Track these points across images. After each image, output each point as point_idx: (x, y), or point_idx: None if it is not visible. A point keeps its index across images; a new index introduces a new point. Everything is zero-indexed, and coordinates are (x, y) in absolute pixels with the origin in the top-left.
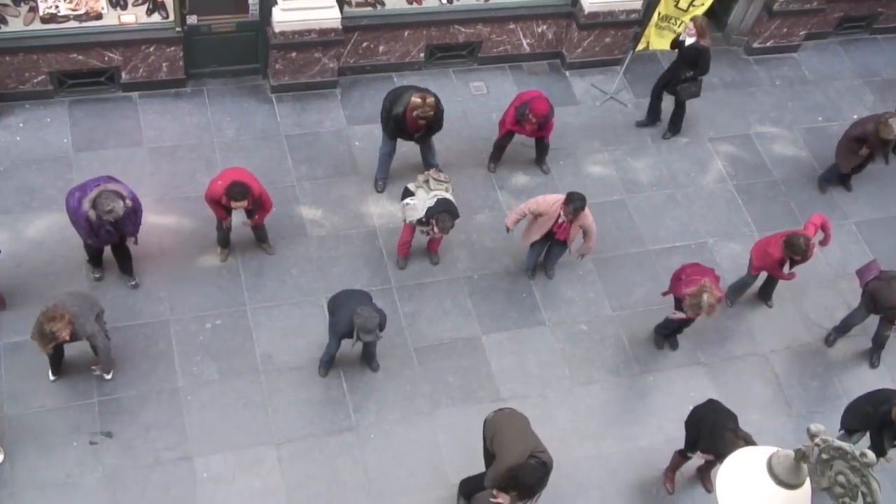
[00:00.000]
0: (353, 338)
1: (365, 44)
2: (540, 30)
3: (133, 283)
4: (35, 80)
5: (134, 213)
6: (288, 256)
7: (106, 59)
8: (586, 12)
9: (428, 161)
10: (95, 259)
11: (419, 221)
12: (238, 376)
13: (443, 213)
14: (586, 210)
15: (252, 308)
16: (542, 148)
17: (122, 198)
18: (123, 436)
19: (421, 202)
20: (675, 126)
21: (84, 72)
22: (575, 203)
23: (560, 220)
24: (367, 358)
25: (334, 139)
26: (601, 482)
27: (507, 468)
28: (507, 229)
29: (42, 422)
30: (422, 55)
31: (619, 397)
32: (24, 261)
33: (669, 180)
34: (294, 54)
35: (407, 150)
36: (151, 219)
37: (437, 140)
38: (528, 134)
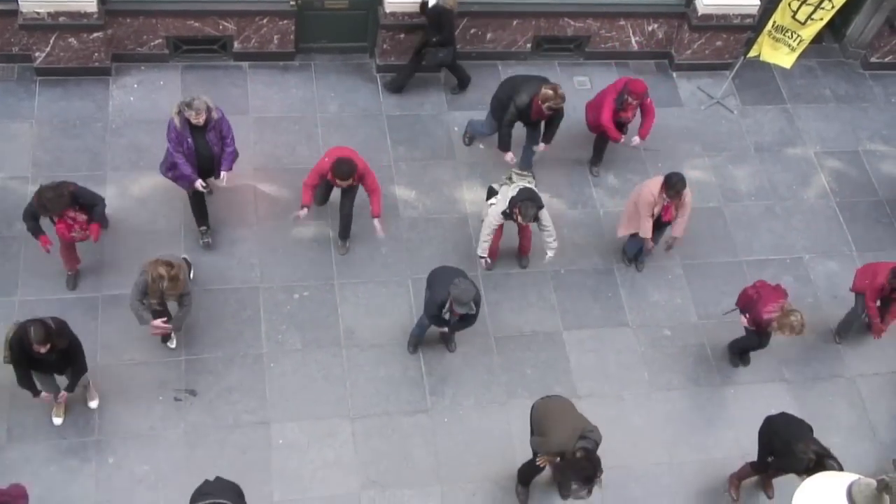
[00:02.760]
0: (446, 310)
1: (473, 30)
2: (650, 28)
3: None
4: (152, 44)
5: (221, 134)
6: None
7: (221, 27)
8: (699, 13)
9: (531, 141)
10: (199, 210)
11: (503, 213)
12: (320, 348)
13: (525, 200)
14: (687, 189)
15: (340, 283)
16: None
17: (210, 108)
18: (206, 395)
19: (505, 196)
20: (461, 83)
21: (199, 38)
22: (676, 184)
23: (665, 202)
24: (446, 338)
25: (434, 123)
26: (671, 490)
27: (557, 450)
28: (648, 245)
29: (131, 374)
30: (528, 46)
31: (697, 406)
32: (127, 216)
33: (770, 191)
34: (402, 36)
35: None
36: (251, 186)
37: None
38: (629, 118)
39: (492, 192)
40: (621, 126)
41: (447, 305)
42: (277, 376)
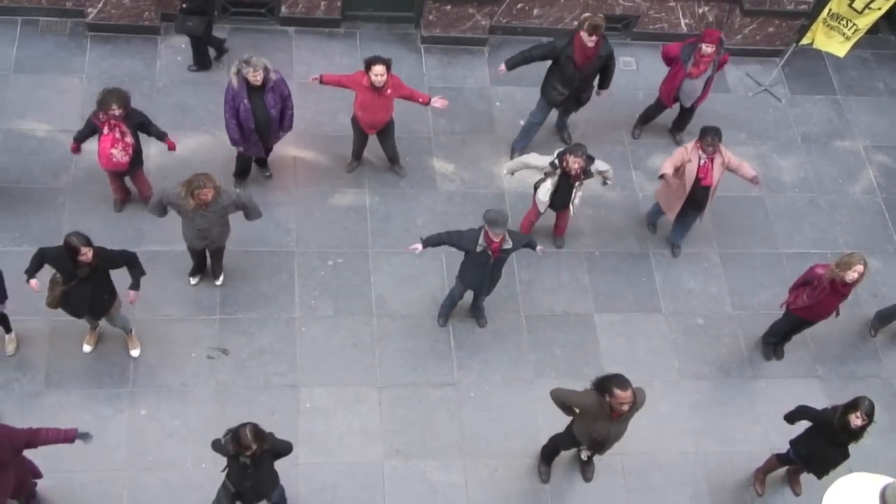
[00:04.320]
0: (481, 243)
1: (520, 5)
2: (701, 11)
3: (268, 173)
4: None
5: (281, 96)
6: (415, 206)
7: None
8: None
9: (561, 121)
10: (243, 169)
11: (552, 164)
12: (351, 315)
13: (574, 146)
14: (723, 148)
15: (374, 252)
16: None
17: (268, 69)
18: (238, 355)
19: (544, 163)
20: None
21: (246, 1)
22: (710, 133)
23: (702, 162)
24: (477, 311)
25: (476, 97)
26: (695, 479)
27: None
28: (661, 176)
29: (167, 329)
30: (575, 23)
31: (727, 398)
32: (169, 175)
33: (814, 184)
34: (449, 7)
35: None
36: (290, 151)
37: (579, 110)
38: (699, 73)
39: (537, 184)
40: (678, 95)
41: (481, 237)
42: (308, 341)
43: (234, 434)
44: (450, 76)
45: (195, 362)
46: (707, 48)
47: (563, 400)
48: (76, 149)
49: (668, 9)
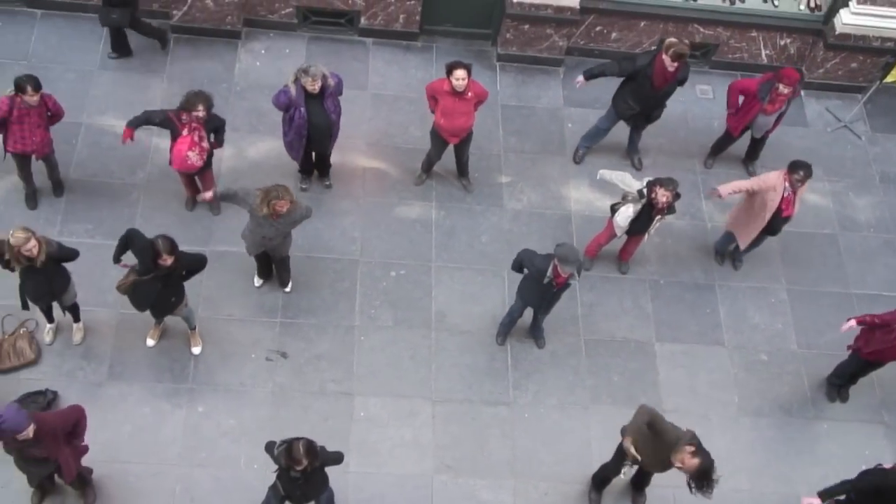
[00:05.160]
0: (549, 275)
1: (598, 28)
2: (783, 42)
3: (328, 183)
4: (283, 12)
5: (336, 103)
6: (481, 223)
7: (350, 2)
8: (837, 32)
9: (633, 143)
10: (307, 166)
11: (639, 192)
12: (410, 328)
13: (668, 179)
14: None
15: (437, 265)
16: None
17: (326, 76)
18: (297, 360)
19: (633, 187)
20: None
21: (328, 11)
22: (803, 169)
23: (786, 193)
24: (536, 332)
25: (548, 117)
26: None
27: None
28: (718, 195)
29: (228, 329)
30: (653, 48)
31: (787, 438)
32: (241, 177)
33: (891, 224)
34: (527, 27)
35: (618, 136)
36: (360, 161)
37: (651, 136)
38: (774, 110)
39: (615, 205)
40: (748, 127)
41: (550, 270)
42: (366, 350)
43: (288, 447)
44: (523, 95)
45: (254, 363)
46: (784, 89)
47: (653, 421)
48: (129, 135)
49: (749, 39)
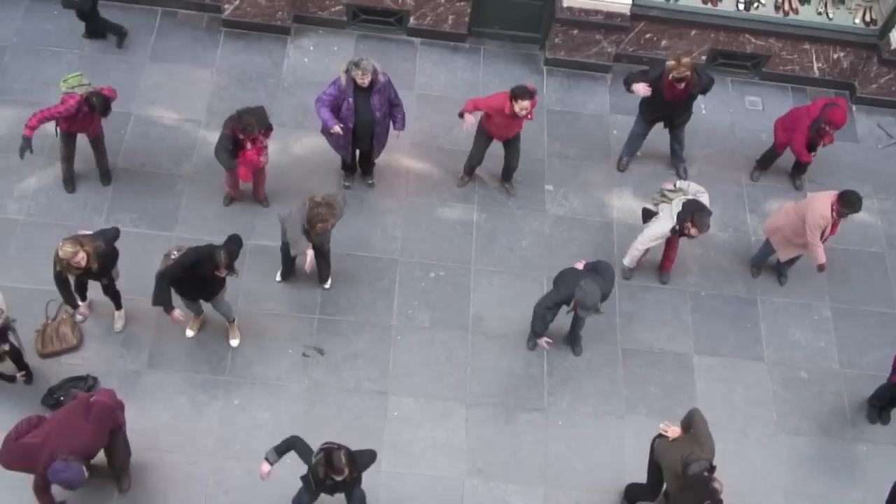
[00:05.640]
0: (569, 309)
1: (648, 35)
2: (836, 56)
3: (370, 181)
4: (332, 9)
5: (387, 97)
6: (522, 227)
7: (400, 1)
8: (893, 47)
9: (675, 153)
10: (349, 167)
11: (673, 231)
12: (447, 330)
13: (696, 212)
14: None
15: (476, 268)
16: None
17: (377, 70)
18: (333, 357)
19: (667, 212)
20: None
21: (377, 10)
22: (855, 204)
23: (833, 220)
24: (573, 339)
25: (594, 123)
26: None
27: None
28: (820, 267)
29: (266, 324)
30: (703, 58)
31: (825, 458)
32: (286, 172)
33: None
34: (576, 31)
35: (658, 138)
36: (404, 161)
37: (698, 146)
38: (825, 144)
39: (647, 215)
40: (813, 147)
41: (571, 304)
42: (402, 350)
43: (328, 457)
44: (569, 100)
45: (291, 359)
46: (831, 129)
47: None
48: (244, 175)
49: (801, 51)
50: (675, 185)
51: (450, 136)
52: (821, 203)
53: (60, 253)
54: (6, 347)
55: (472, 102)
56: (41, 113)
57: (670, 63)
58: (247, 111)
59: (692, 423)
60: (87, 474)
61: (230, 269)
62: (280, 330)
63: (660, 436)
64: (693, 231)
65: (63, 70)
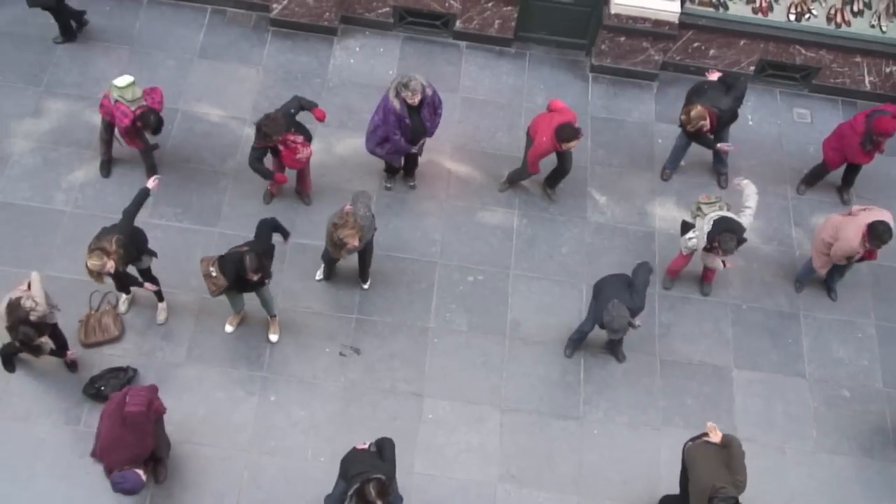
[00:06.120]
0: (602, 323)
1: (696, 44)
2: (888, 70)
3: (412, 183)
4: (379, 11)
5: (435, 110)
6: (562, 234)
7: (447, 4)
8: None
9: (719, 159)
10: (391, 169)
11: (705, 249)
12: (484, 334)
13: (724, 232)
14: None
15: (515, 273)
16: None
17: (425, 86)
18: (369, 357)
19: (701, 230)
20: None
21: (424, 12)
22: (883, 235)
23: (867, 249)
24: (614, 349)
25: (638, 131)
26: None
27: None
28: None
29: (305, 322)
30: (752, 68)
31: (865, 480)
32: (328, 172)
33: None
34: (623, 39)
35: (703, 150)
36: (446, 164)
37: (743, 157)
38: (880, 152)
39: (687, 227)
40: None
41: (604, 319)
42: (439, 353)
43: (360, 491)
44: (614, 107)
45: (328, 357)
46: (883, 139)
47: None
48: (281, 179)
49: (852, 64)
50: (711, 197)
51: (493, 141)
52: (852, 233)
53: (89, 266)
54: (47, 342)
55: (533, 159)
56: (121, 131)
57: (683, 118)
58: (263, 121)
59: (731, 447)
60: (145, 478)
61: (259, 272)
62: (318, 328)
63: (692, 440)
64: (720, 253)
65: (113, 65)
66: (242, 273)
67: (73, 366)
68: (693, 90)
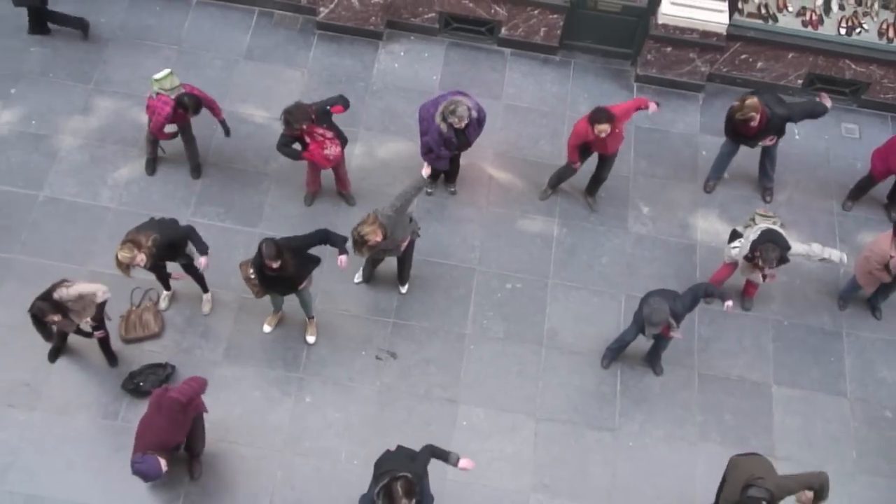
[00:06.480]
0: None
1: (744, 56)
2: None
3: (453, 189)
4: (425, 17)
5: (479, 124)
6: (602, 244)
7: (493, 11)
8: None
9: (765, 172)
10: (433, 174)
11: (746, 258)
12: (521, 342)
13: (767, 242)
14: None
15: (553, 282)
16: None
17: (469, 108)
18: (405, 361)
19: (746, 240)
20: None
21: (469, 19)
22: None
23: None
24: (653, 360)
25: (682, 143)
26: None
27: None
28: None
29: (342, 324)
30: (799, 81)
31: None
32: (369, 175)
33: None
34: (669, 49)
35: (749, 161)
36: (487, 170)
37: (789, 172)
38: None
39: (735, 235)
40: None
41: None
42: (475, 359)
43: (387, 489)
44: (658, 118)
45: (364, 360)
46: None
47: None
48: (313, 156)
49: None
50: (769, 211)
51: (535, 149)
52: (882, 238)
53: (119, 257)
54: (102, 335)
55: (570, 146)
56: (154, 126)
57: (735, 104)
58: (286, 110)
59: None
60: (164, 468)
61: (276, 260)
62: (355, 331)
63: (739, 455)
64: (759, 262)
65: (161, 65)
66: (260, 262)
67: (112, 359)
68: (756, 90)
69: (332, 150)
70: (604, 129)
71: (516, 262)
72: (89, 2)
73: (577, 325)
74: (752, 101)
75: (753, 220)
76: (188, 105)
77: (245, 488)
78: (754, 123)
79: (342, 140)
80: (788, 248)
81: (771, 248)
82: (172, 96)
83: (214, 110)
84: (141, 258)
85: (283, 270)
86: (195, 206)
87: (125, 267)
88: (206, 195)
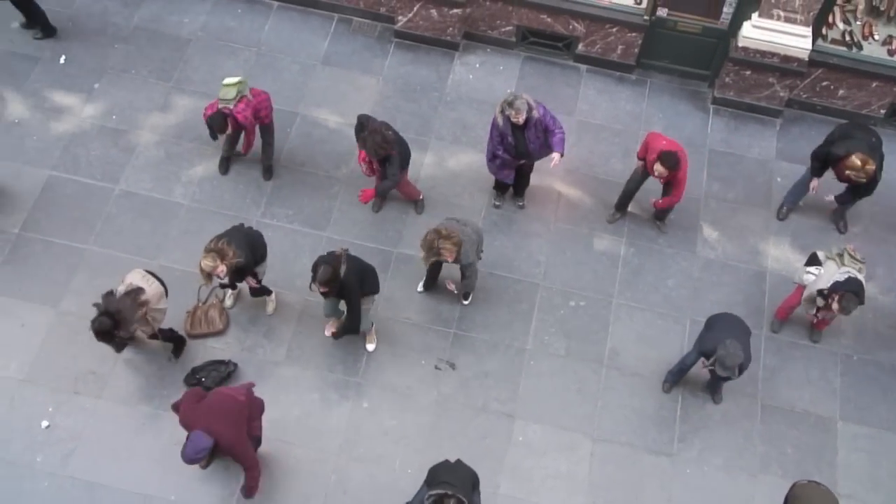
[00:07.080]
0: (711, 362)
1: (825, 83)
2: None
3: (521, 203)
4: (502, 30)
5: (543, 128)
6: (669, 266)
7: (571, 27)
8: None
9: (843, 199)
10: (501, 186)
11: (819, 291)
12: (581, 361)
13: (850, 292)
14: None
15: (618, 302)
16: None
17: (531, 107)
18: (464, 373)
19: (828, 273)
20: None
21: (547, 34)
22: None
23: None
24: (713, 388)
25: (757, 168)
26: None
27: None
28: None
29: (403, 332)
30: (882, 111)
31: None
32: (438, 184)
33: None
34: (748, 72)
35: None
36: (557, 186)
37: (867, 203)
38: None
39: (814, 260)
40: None
41: (712, 358)
42: (534, 375)
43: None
44: (734, 142)
45: (423, 369)
46: None
47: None
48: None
49: None
50: (859, 255)
51: (606, 166)
52: None
53: (202, 265)
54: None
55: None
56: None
57: (854, 162)
58: (367, 133)
59: None
60: (203, 458)
61: (326, 286)
62: (415, 340)
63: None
64: (834, 306)
65: (240, 66)
66: (314, 280)
67: (177, 351)
68: (843, 133)
69: (362, 168)
70: (663, 172)
71: (581, 279)
72: (175, 1)
73: (640, 346)
74: (871, 167)
75: (842, 256)
76: (210, 125)
77: (298, 490)
78: (858, 182)
79: (403, 159)
80: (863, 303)
81: (854, 301)
82: (221, 106)
83: (248, 137)
84: (222, 269)
85: (329, 293)
86: (265, 206)
87: (206, 275)
88: (276, 197)
